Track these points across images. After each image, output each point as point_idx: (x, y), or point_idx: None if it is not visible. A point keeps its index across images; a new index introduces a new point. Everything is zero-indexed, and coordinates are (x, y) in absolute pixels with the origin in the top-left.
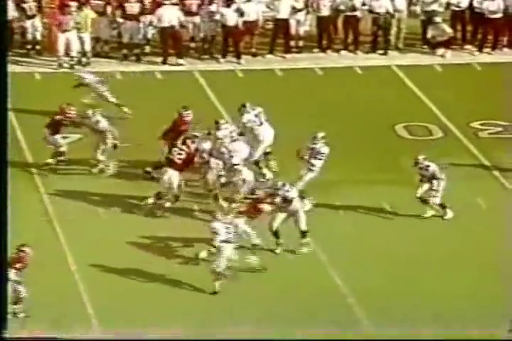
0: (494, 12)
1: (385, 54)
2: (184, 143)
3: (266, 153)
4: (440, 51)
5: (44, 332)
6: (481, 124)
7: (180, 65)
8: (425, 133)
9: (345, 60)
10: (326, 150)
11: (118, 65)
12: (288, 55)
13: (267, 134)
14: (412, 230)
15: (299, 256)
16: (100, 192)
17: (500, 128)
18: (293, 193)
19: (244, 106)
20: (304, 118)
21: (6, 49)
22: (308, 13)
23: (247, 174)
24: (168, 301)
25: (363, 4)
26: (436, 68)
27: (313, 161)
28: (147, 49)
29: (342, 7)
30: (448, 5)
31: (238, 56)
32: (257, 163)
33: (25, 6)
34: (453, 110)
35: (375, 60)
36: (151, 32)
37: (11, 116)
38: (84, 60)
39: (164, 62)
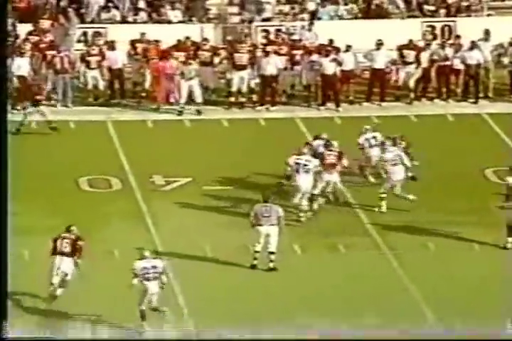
0: None
1: (475, 102)
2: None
3: None
4: None
5: None
6: None
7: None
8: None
9: (438, 108)
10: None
11: (224, 113)
12: (384, 103)
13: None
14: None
15: None
16: None
17: None
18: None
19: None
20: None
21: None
22: (418, 67)
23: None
24: None
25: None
26: None
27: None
28: (254, 97)
29: (435, 57)
30: None
31: (337, 104)
32: None
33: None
34: None
35: (467, 108)
36: (253, 81)
37: None
38: (196, 108)
39: (267, 109)
